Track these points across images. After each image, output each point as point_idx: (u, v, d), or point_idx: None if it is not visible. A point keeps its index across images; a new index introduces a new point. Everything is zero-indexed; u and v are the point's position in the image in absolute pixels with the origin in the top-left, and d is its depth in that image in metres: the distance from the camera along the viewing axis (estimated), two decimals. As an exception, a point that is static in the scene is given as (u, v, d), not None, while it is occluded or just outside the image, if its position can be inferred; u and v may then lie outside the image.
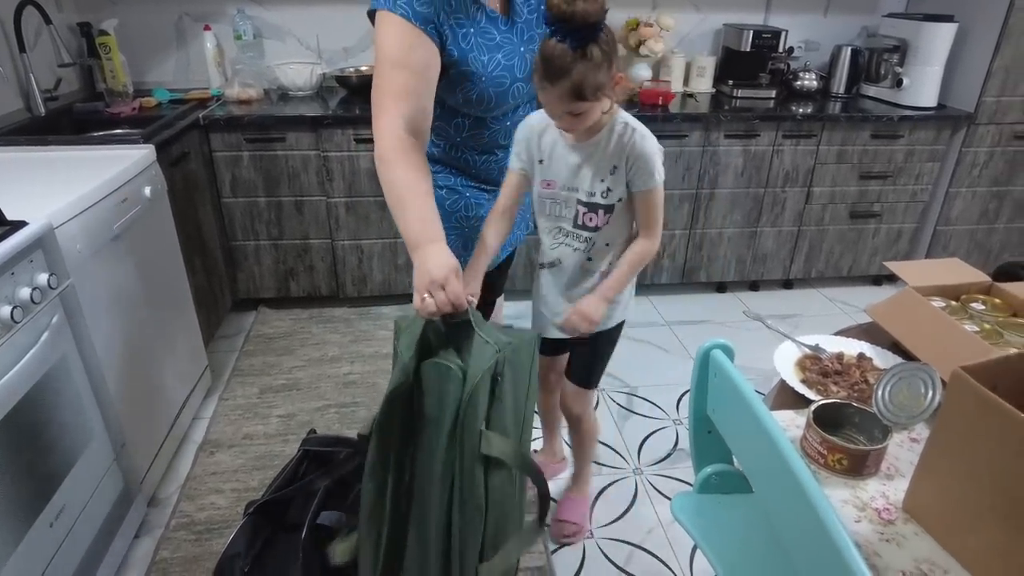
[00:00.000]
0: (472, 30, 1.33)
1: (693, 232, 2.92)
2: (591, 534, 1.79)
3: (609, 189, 1.34)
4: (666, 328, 2.82)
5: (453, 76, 1.34)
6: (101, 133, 2.29)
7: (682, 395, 2.37)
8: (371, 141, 2.53)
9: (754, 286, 3.17)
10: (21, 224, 1.37)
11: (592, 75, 1.14)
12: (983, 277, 1.20)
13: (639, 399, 2.35)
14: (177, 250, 2.12)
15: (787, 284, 3.19)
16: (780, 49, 2.95)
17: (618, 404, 2.32)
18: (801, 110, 2.80)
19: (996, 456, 0.73)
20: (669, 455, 2.10)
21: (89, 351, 1.55)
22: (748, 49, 2.90)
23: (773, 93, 2.96)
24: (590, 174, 1.34)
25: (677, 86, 3.04)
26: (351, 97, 2.79)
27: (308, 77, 2.80)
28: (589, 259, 1.43)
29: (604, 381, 2.41)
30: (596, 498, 1.91)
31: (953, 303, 1.16)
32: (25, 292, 1.31)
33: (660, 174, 1.31)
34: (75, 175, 1.70)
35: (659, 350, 2.66)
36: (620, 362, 2.53)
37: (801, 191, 2.90)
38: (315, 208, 2.63)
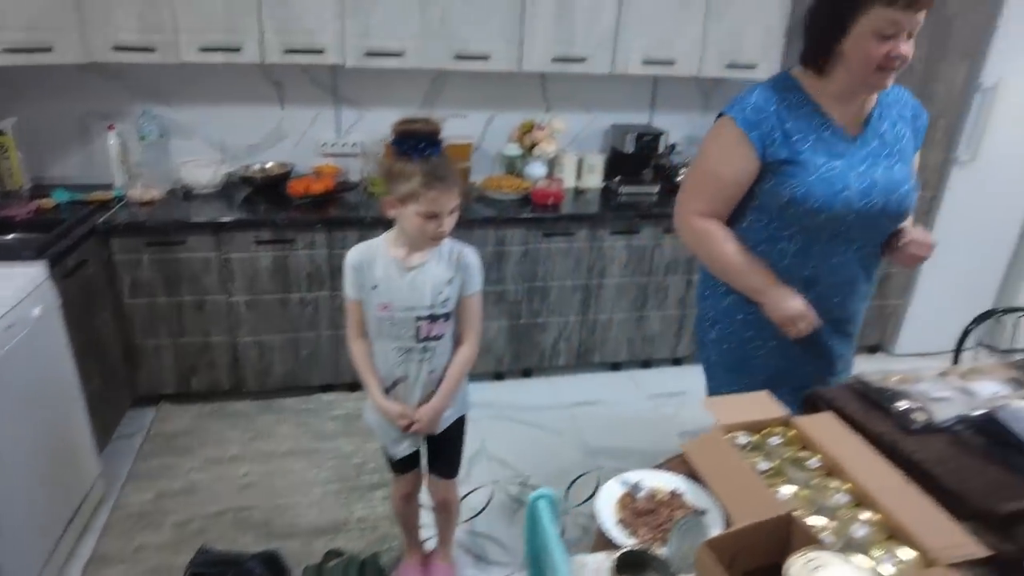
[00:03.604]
0: (812, 136, 1.48)
1: (586, 318, 3.12)
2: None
3: (447, 299, 1.60)
4: (561, 410, 2.98)
5: (782, 172, 1.48)
6: (-8, 242, 2.30)
7: (572, 483, 2.52)
8: (271, 242, 2.64)
9: (646, 364, 3.39)
10: None
11: None
12: (784, 411, 1.41)
13: (531, 489, 2.48)
14: (68, 362, 2.14)
15: (676, 361, 3.42)
16: (660, 149, 3.24)
17: (510, 496, 2.44)
18: (679, 206, 3.07)
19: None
20: (554, 546, 2.22)
21: (-34, 488, 1.56)
22: (631, 151, 3.18)
23: (656, 188, 3.23)
24: (429, 289, 1.58)
25: (570, 182, 3.27)
26: (254, 196, 2.88)
27: (212, 175, 2.88)
28: (431, 371, 1.66)
29: (498, 472, 2.55)
30: (482, 596, 2.03)
31: (755, 437, 1.35)
32: None
33: (482, 281, 1.64)
34: (-41, 306, 1.73)
35: (553, 435, 2.82)
36: (514, 449, 2.68)
37: (683, 278, 3.16)
38: (216, 306, 2.69)
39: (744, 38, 3.02)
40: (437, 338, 1.64)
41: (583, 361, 3.23)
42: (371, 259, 1.59)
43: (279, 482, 2.39)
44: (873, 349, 3.68)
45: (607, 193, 3.25)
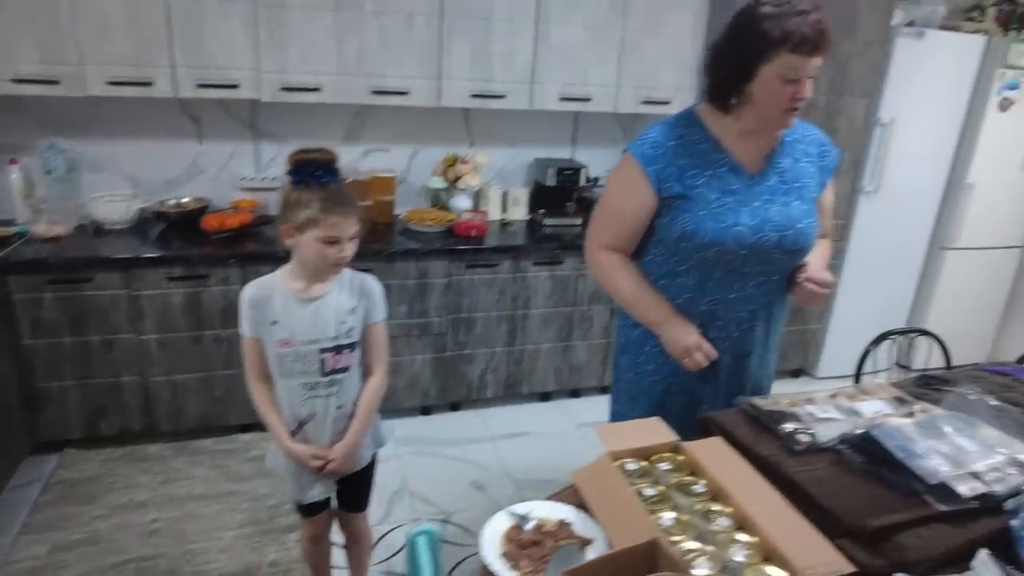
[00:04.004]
0: (707, 173, 1.50)
1: (512, 349, 3.13)
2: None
3: (351, 328, 1.59)
4: (489, 443, 2.96)
5: (675, 207, 1.51)
6: None
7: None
8: (184, 278, 2.58)
9: (575, 393, 3.41)
10: None
11: None
12: (672, 437, 1.43)
13: (452, 525, 2.44)
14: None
15: (603, 390, 3.45)
16: (582, 182, 3.31)
17: (430, 532, 2.39)
18: (601, 237, 3.14)
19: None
20: (474, 583, 2.19)
21: None
22: (553, 184, 3.24)
23: (579, 220, 3.29)
24: (333, 319, 1.56)
25: (495, 214, 3.31)
26: (168, 231, 2.81)
27: (124, 211, 2.80)
28: (340, 406, 1.62)
29: (420, 510, 2.50)
30: (397, 638, 1.97)
31: (644, 463, 1.37)
32: None
33: (386, 308, 1.65)
34: None
35: (479, 469, 2.79)
36: (437, 486, 2.64)
37: (606, 308, 3.20)
38: (126, 346, 2.59)
39: (658, 75, 3.14)
40: (344, 370, 1.61)
41: (512, 392, 3.22)
42: (268, 294, 1.57)
43: (190, 527, 2.29)
44: (796, 373, 3.79)
45: (532, 225, 3.29)
